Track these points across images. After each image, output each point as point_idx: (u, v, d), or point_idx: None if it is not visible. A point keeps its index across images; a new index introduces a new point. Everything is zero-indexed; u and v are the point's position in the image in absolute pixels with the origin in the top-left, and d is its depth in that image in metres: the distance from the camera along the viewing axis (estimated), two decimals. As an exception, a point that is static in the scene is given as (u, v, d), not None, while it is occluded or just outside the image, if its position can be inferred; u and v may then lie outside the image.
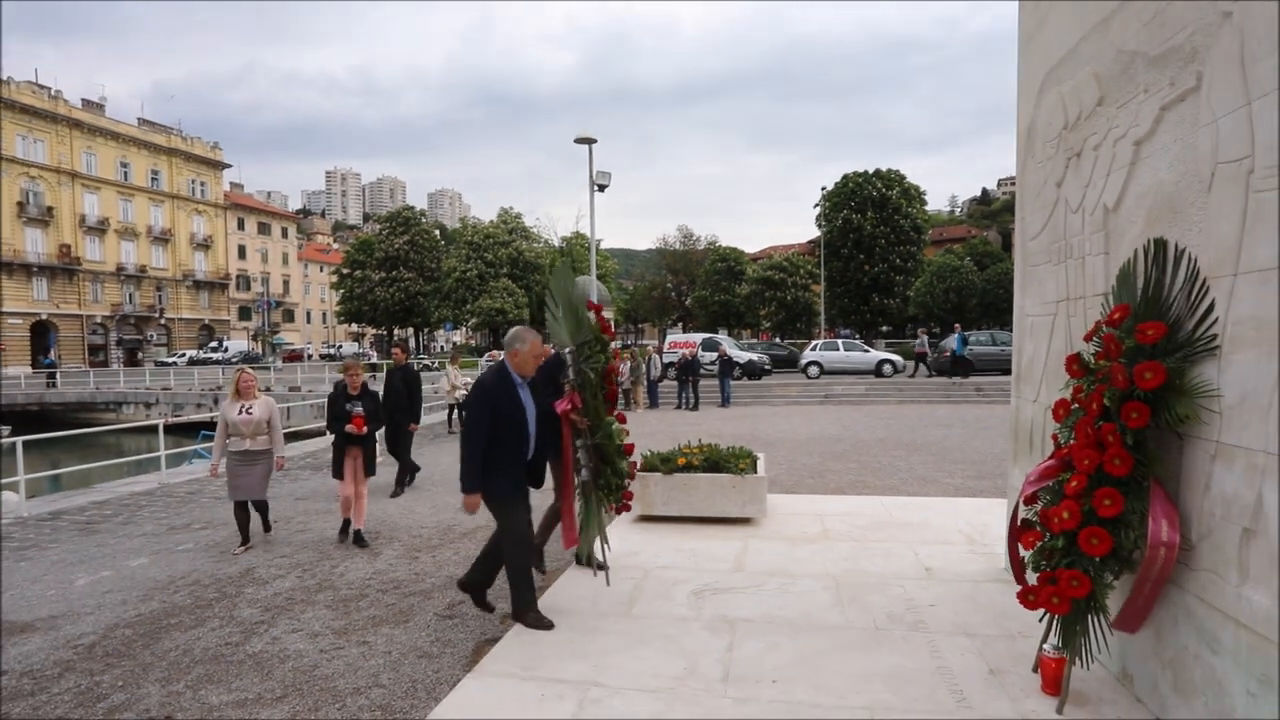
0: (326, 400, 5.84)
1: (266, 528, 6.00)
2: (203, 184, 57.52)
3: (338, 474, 5.86)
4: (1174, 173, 2.72)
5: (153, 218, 53.15)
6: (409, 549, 5.67)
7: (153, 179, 53.26)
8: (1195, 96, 2.59)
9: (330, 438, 6.19)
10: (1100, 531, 2.66)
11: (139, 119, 55.08)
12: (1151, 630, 2.84)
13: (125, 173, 51.21)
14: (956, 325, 24.96)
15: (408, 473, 8.08)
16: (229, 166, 60.24)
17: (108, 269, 49.52)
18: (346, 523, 5.93)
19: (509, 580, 3.97)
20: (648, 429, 13.62)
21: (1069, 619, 2.84)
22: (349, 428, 5.76)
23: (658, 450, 6.60)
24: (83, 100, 50.47)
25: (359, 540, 5.73)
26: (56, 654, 3.77)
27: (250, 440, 5.54)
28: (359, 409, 5.83)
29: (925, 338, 24.05)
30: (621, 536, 5.72)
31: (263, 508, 5.93)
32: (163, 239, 53.74)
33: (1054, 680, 2.94)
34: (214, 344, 52.03)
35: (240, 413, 5.53)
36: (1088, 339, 3.07)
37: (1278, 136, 2.17)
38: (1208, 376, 2.50)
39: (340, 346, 63.14)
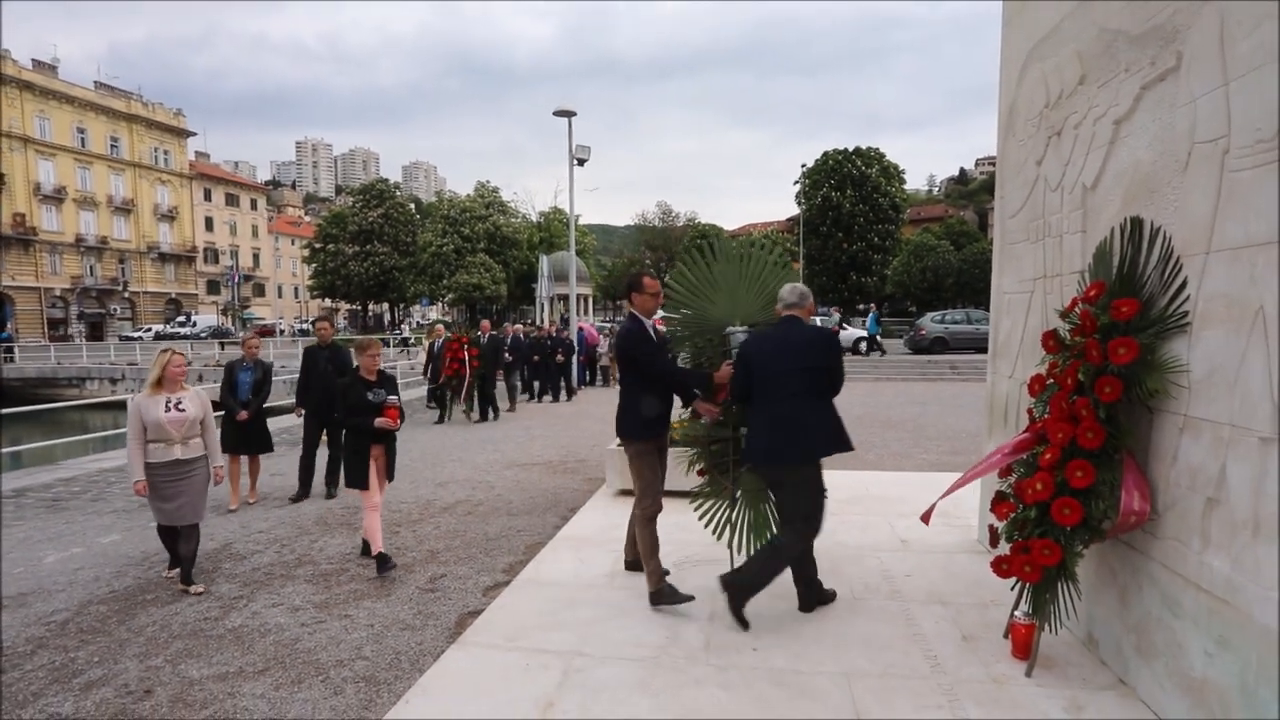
0: (339, 391, 4.68)
1: (188, 578, 4.24)
2: (166, 152, 55.48)
3: (359, 482, 4.53)
4: (1152, 152, 2.77)
5: (113, 187, 51.19)
6: (389, 524, 5.64)
7: (112, 146, 51.18)
8: (1175, 76, 2.63)
9: (278, 435, 6.02)
10: (1072, 502, 2.75)
11: (96, 82, 52.77)
12: (1117, 596, 2.95)
13: (82, 139, 49.15)
14: (873, 305, 26.00)
15: (337, 469, 6.39)
16: (193, 135, 58.16)
17: (66, 240, 47.75)
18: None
19: (765, 568, 3.53)
20: (627, 405, 13.66)
21: (1039, 587, 2.94)
22: (380, 422, 4.51)
23: (638, 426, 6.62)
24: (33, 61, 48.16)
25: (386, 564, 4.43)
26: (28, 631, 3.70)
27: (181, 446, 4.21)
28: (390, 398, 4.66)
29: (838, 317, 24.87)
30: (603, 510, 5.77)
31: (192, 538, 4.29)
32: (124, 209, 51.87)
33: (1024, 645, 3.05)
34: (181, 319, 50.67)
35: (168, 409, 4.19)
36: (1064, 315, 3.14)
37: (1253, 117, 2.21)
38: (1178, 352, 2.57)
39: (314, 321, 61.96)
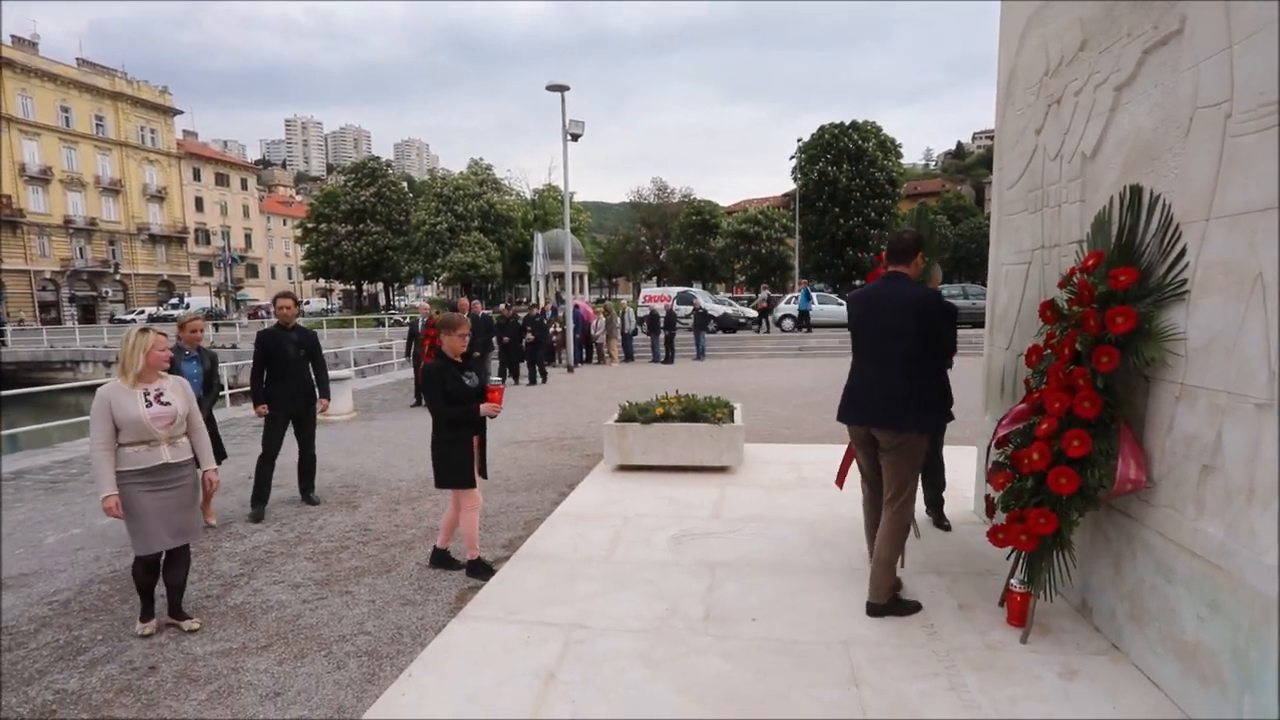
0: (427, 378, 4.01)
1: (178, 610, 3.52)
2: (153, 131, 54.59)
3: (462, 480, 3.97)
4: (1153, 118, 2.73)
5: (100, 167, 50.43)
6: (388, 502, 5.67)
7: (97, 125, 50.30)
8: (1178, 40, 2.58)
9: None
10: (1068, 471, 2.77)
11: (78, 59, 51.74)
12: (1111, 564, 2.98)
13: (66, 118, 48.29)
14: (803, 281, 26.45)
15: (312, 471, 5.74)
16: (180, 113, 57.20)
17: (54, 222, 47.15)
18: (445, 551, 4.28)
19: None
20: (623, 382, 13.68)
21: (1035, 555, 2.97)
22: (486, 408, 3.95)
23: (635, 401, 6.64)
24: (13, 37, 47.11)
25: (486, 571, 4.02)
26: (31, 610, 3.72)
27: (169, 447, 3.37)
28: (493, 379, 4.27)
29: (767, 293, 25.34)
30: (601, 486, 5.80)
31: (184, 561, 3.55)
32: (113, 190, 51.18)
33: (1019, 613, 3.09)
34: (174, 300, 50.34)
35: (149, 403, 3.32)
36: (1062, 285, 3.13)
37: (1256, 80, 2.18)
38: (1176, 320, 2.57)
39: (308, 302, 61.62)
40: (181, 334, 5.00)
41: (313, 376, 5.51)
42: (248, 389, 5.56)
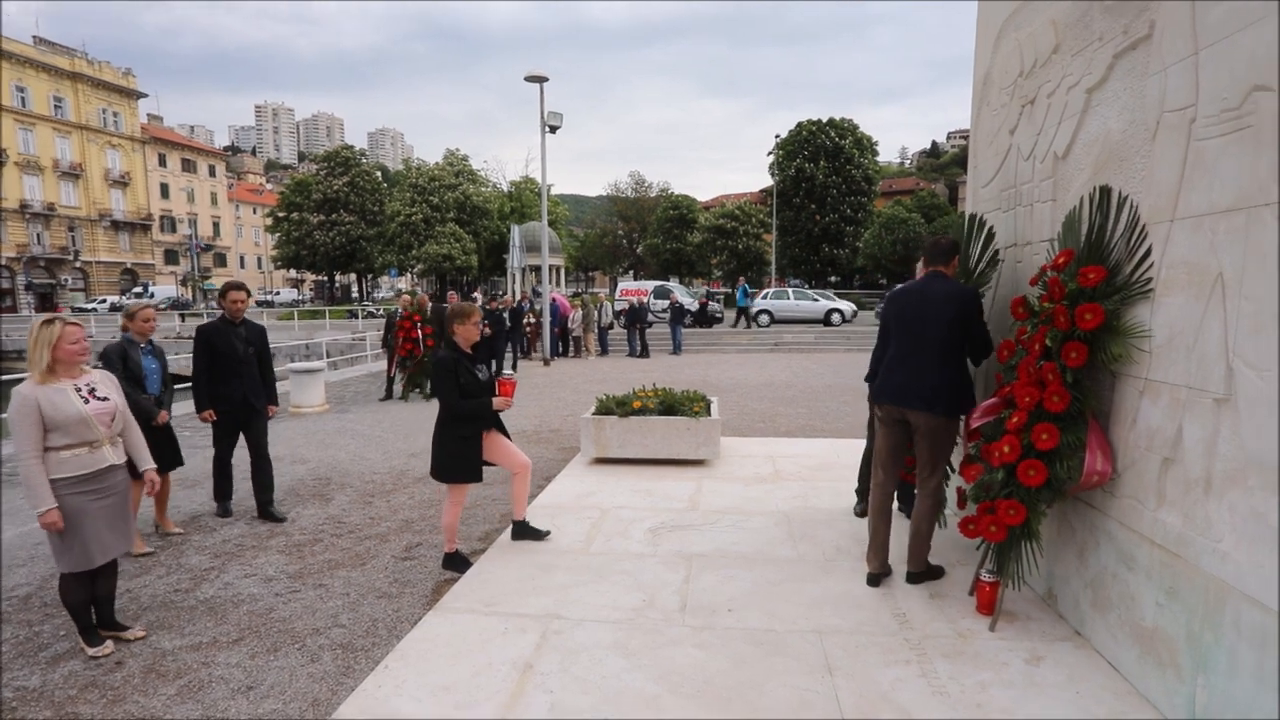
0: (439, 370, 3.85)
1: (112, 620, 3.24)
2: (115, 114, 52.85)
3: (469, 474, 3.91)
4: (1122, 121, 2.81)
5: (59, 150, 48.68)
6: (362, 494, 5.60)
7: (56, 107, 48.56)
8: (1147, 45, 2.66)
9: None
10: (1037, 464, 2.84)
11: (35, 37, 49.85)
12: (1075, 553, 3.08)
13: (22, 98, 46.47)
14: (740, 279, 27.35)
15: (270, 481, 5.07)
16: (145, 96, 55.43)
17: (9, 206, 45.46)
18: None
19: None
20: (600, 375, 13.67)
21: (1004, 546, 3.05)
22: (498, 403, 3.94)
23: (613, 394, 6.64)
24: (-34, 14, 45.25)
25: (462, 563, 3.98)
26: (-10, 605, 3.61)
27: (111, 447, 3.09)
28: (506, 371, 4.18)
29: (705, 289, 25.89)
30: (578, 478, 5.80)
31: (114, 570, 3.26)
32: (73, 174, 49.47)
33: (989, 602, 3.17)
34: (138, 289, 48.90)
35: (83, 398, 3.01)
36: (1034, 282, 3.20)
37: (1220, 86, 2.25)
38: (1141, 318, 2.65)
39: (278, 292, 60.39)
40: (132, 325, 4.41)
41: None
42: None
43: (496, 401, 3.94)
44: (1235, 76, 2.17)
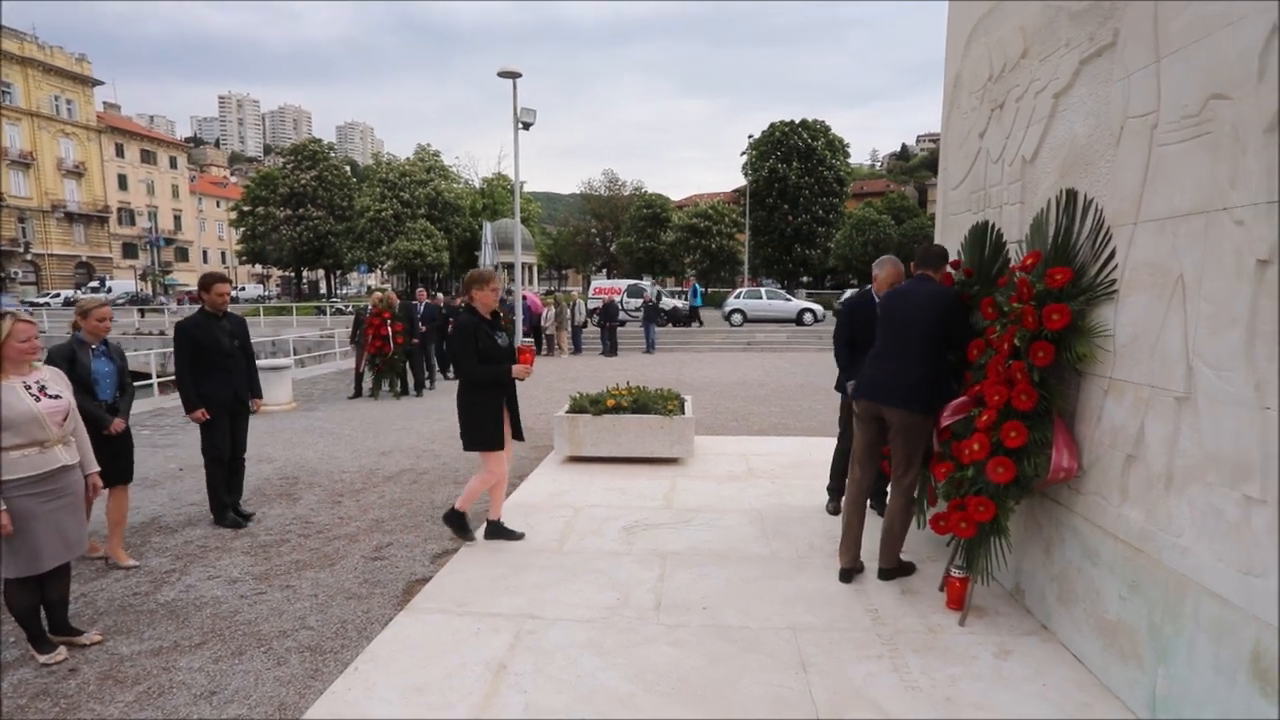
0: (459, 332, 3.84)
1: (65, 624, 3.11)
2: (69, 102, 50.92)
3: (491, 441, 3.93)
4: (1087, 126, 2.88)
5: (8, 138, 46.70)
6: (330, 494, 5.49)
7: (4, 93, 46.64)
8: (1111, 52, 2.72)
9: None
10: (1006, 461, 2.90)
11: (-18, 21, 47.84)
12: (1042, 549, 3.15)
13: (-32, 84, 44.69)
14: (690, 278, 28.60)
15: (240, 481, 4.96)
16: (101, 84, 53.51)
17: (-45, 195, 43.64)
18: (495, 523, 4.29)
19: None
20: (573, 373, 13.61)
21: (973, 541, 3.11)
22: (518, 369, 3.95)
23: (586, 393, 6.62)
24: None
25: (462, 527, 4.14)
26: (-67, 612, 3.44)
27: (63, 447, 2.98)
28: (525, 339, 4.10)
29: (656, 289, 27.34)
30: (551, 477, 5.76)
31: (66, 573, 3.13)
32: (23, 163, 47.55)
33: (958, 598, 3.22)
34: (94, 284, 47.24)
35: (34, 395, 2.90)
36: (1002, 283, 3.26)
37: (1181, 93, 2.32)
38: (1105, 318, 2.72)
39: (243, 288, 58.88)
40: (85, 324, 3.96)
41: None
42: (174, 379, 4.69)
43: (517, 369, 3.91)
44: (1195, 84, 2.24)
